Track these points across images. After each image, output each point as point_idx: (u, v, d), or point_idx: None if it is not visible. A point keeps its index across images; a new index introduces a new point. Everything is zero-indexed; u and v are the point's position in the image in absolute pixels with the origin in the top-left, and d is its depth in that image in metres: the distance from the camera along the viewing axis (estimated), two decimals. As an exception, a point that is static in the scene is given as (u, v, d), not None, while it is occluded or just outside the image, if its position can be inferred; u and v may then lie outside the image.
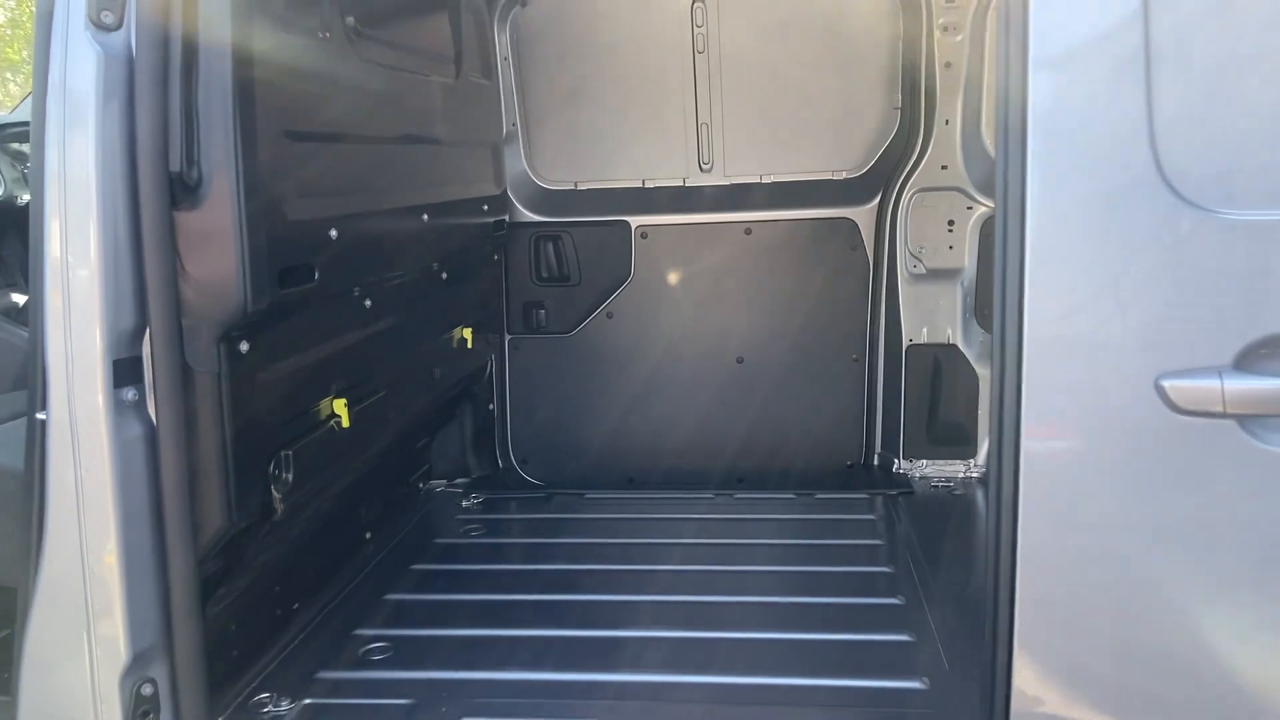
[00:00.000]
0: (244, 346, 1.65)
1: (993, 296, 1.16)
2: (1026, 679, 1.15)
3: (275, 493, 1.77)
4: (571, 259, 3.10)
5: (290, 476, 1.81)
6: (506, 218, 3.01)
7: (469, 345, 2.75)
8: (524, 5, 3.00)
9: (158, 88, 1.46)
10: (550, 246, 3.09)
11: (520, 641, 2.17)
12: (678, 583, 2.41)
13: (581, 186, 3.10)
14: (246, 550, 1.80)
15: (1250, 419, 1.10)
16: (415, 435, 2.91)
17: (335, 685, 2.03)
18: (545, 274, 3.10)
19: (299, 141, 1.76)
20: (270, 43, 1.68)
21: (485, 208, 2.82)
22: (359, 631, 2.22)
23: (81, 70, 1.43)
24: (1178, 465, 1.11)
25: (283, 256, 1.68)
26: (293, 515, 2.09)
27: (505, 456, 3.20)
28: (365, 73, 2.07)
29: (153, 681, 1.56)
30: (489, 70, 2.90)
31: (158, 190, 1.47)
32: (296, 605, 2.26)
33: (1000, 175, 1.13)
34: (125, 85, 1.46)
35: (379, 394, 2.19)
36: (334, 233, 1.89)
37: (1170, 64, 1.07)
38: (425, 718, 1.89)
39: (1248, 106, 1.10)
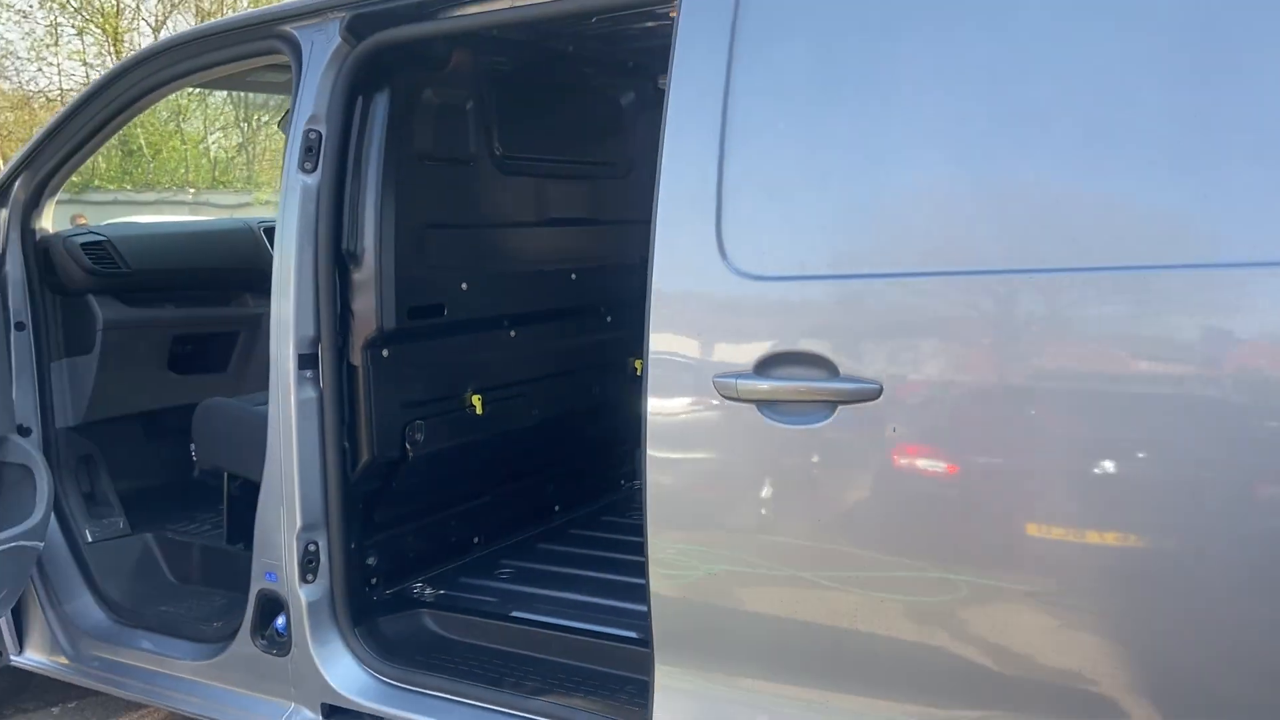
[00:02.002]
0: (385, 352, 2.75)
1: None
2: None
3: (408, 445, 2.86)
4: None
5: (421, 437, 2.88)
6: None
7: (638, 373, 3.67)
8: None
9: (334, 204, 2.61)
10: None
11: (596, 579, 3.05)
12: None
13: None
14: (394, 478, 2.89)
15: (761, 403, 1.70)
16: (610, 439, 3.88)
17: (465, 585, 3.06)
18: None
19: (433, 229, 2.85)
20: (414, 172, 2.79)
21: None
22: (504, 560, 3.25)
23: (292, 193, 2.61)
24: (725, 435, 1.74)
25: (411, 299, 2.77)
26: (457, 474, 3.17)
27: None
28: (508, 183, 3.12)
29: (316, 543, 2.68)
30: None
31: (329, 259, 2.61)
32: (476, 539, 3.33)
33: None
34: (317, 202, 2.62)
35: (519, 396, 3.21)
36: (465, 285, 2.95)
37: (730, 189, 1.74)
38: (491, 608, 2.87)
39: (776, 214, 1.73)
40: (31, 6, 23.36)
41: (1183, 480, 1.46)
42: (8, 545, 2.83)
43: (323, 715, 2.68)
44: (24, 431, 3.18)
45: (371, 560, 2.91)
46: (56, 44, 23.89)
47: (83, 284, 3.30)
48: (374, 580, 2.93)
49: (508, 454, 3.33)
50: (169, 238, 3.86)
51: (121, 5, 23.47)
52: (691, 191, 1.80)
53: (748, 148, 1.75)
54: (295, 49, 2.64)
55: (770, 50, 1.73)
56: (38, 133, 3.19)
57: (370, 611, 2.80)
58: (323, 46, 2.59)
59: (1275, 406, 1.39)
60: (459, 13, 2.51)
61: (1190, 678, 1.53)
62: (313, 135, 2.60)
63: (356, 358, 2.70)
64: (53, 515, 3.18)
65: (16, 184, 3.20)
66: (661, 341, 1.82)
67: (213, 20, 3.02)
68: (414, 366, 2.86)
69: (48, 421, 3.27)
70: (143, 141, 21.07)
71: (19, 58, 25.38)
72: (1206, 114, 1.43)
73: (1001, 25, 1.58)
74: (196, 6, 22.82)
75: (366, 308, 2.69)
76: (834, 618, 1.72)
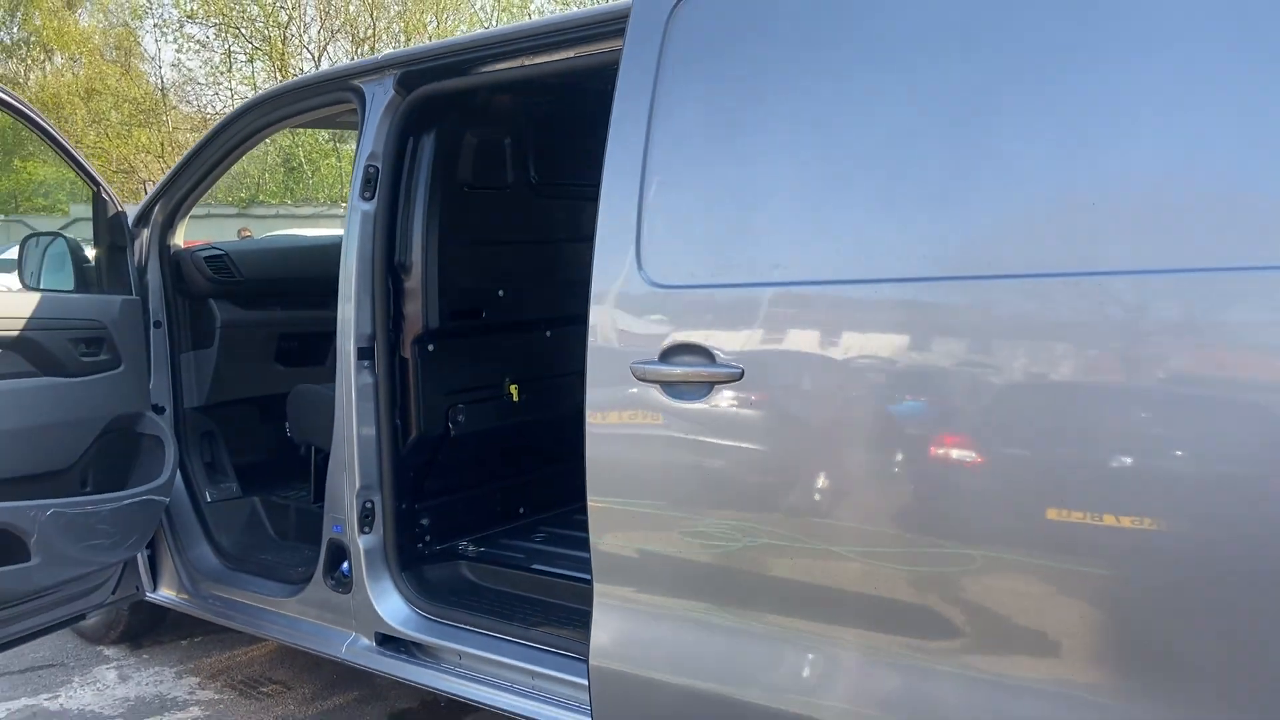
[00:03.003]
0: (430, 347, 3.34)
1: None
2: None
3: (450, 425, 3.44)
4: None
5: (462, 419, 3.46)
6: None
7: None
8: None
9: (387, 226, 3.21)
10: None
11: None
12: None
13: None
14: (441, 452, 3.48)
15: (663, 384, 2.18)
16: None
17: (502, 544, 3.62)
18: None
19: (473, 245, 3.42)
20: (456, 198, 3.38)
21: None
22: (542, 527, 3.80)
23: (354, 214, 3.21)
24: (639, 410, 2.22)
25: (452, 304, 3.35)
26: (499, 453, 3.73)
27: None
28: (544, 205, 3.68)
29: (372, 501, 3.28)
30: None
31: (383, 271, 3.21)
32: (521, 510, 3.89)
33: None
34: (374, 224, 3.22)
35: (554, 388, 3.76)
36: (501, 292, 3.52)
37: (646, 217, 2.23)
38: (517, 562, 3.42)
39: (676, 236, 2.21)
40: (209, 37, 25.54)
41: (968, 427, 1.88)
42: (141, 498, 3.55)
43: (376, 642, 3.27)
44: (159, 410, 3.91)
45: (425, 520, 3.50)
46: (230, 70, 26.06)
47: (205, 290, 4.02)
48: (427, 537, 3.52)
49: (547, 438, 3.88)
50: (276, 252, 4.59)
51: (287, 34, 25.41)
52: (620, 219, 2.30)
53: (658, 186, 2.24)
54: (361, 99, 3.25)
55: (675, 113, 2.22)
56: (172, 167, 3.93)
57: (417, 560, 3.39)
58: (380, 97, 3.20)
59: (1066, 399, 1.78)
60: (485, 69, 3.08)
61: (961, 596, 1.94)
62: (371, 169, 3.20)
63: (406, 351, 3.30)
64: (180, 478, 3.91)
65: (156, 209, 3.94)
66: (597, 336, 2.33)
67: (300, 76, 3.68)
68: (455, 359, 3.44)
69: (178, 402, 4.00)
70: (302, 158, 22.80)
71: (198, 84, 27.79)
72: (966, 159, 1.86)
73: (831, 97, 2.03)
74: (353, 35, 24.54)
75: (414, 310, 3.29)
76: (717, 555, 2.20)
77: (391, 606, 3.25)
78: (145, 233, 3.95)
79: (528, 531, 3.75)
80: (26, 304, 3.36)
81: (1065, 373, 1.75)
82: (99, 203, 3.75)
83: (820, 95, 2.04)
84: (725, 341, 2.12)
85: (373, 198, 3.20)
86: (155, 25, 31.06)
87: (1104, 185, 1.72)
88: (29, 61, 34.96)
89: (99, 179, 3.71)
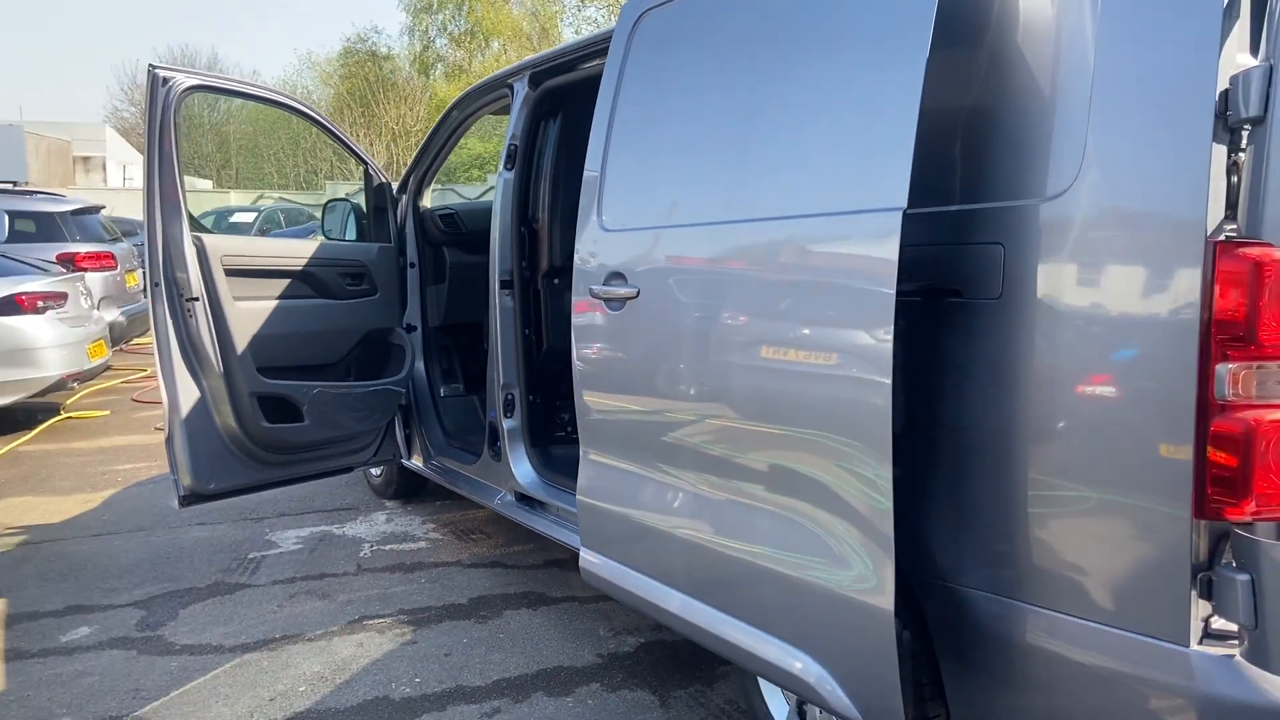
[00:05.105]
0: (555, 281, 4.43)
1: None
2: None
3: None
4: None
5: None
6: None
7: None
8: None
9: (522, 189, 4.34)
10: None
11: None
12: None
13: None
14: (569, 363, 4.57)
15: (605, 300, 3.09)
16: None
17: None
18: None
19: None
20: (577, 167, 4.42)
21: None
22: None
23: (499, 182, 4.37)
24: (594, 319, 3.13)
25: (572, 249, 4.41)
26: None
27: None
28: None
29: (513, 394, 4.44)
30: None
31: (519, 223, 4.35)
32: None
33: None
34: (513, 188, 4.35)
35: None
36: None
37: (605, 181, 3.15)
38: None
39: (618, 194, 3.09)
40: (603, 18, 28.14)
41: (758, 317, 2.64)
42: (382, 387, 4.99)
43: (516, 499, 4.46)
44: (411, 329, 5.35)
45: (565, 415, 4.63)
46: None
47: (441, 240, 5.40)
48: (568, 428, 4.65)
49: None
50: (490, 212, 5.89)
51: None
52: (592, 183, 3.25)
53: (612, 159, 3.16)
54: (512, 92, 4.41)
55: (625, 110, 3.10)
56: (419, 148, 5.33)
57: (547, 442, 4.53)
58: (520, 92, 4.33)
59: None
60: (584, 66, 4.09)
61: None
62: (512, 147, 4.34)
63: (538, 284, 4.43)
64: (424, 378, 5.34)
65: (410, 179, 5.37)
66: (577, 266, 3.30)
67: (484, 77, 4.89)
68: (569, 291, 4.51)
69: (425, 323, 5.43)
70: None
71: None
72: (739, 138, 2.63)
73: (695, 98, 2.84)
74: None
75: (543, 254, 4.40)
76: (629, 424, 3.10)
77: (524, 471, 4.41)
78: (404, 198, 5.38)
79: None
80: (311, 248, 4.87)
81: (813, 275, 2.48)
82: (367, 176, 5.21)
83: (691, 96, 2.86)
84: (632, 269, 3.01)
85: (512, 168, 4.34)
86: (556, 11, 34.58)
87: (811, 155, 2.44)
88: (470, 49, 40.21)
89: (367, 158, 5.17)
